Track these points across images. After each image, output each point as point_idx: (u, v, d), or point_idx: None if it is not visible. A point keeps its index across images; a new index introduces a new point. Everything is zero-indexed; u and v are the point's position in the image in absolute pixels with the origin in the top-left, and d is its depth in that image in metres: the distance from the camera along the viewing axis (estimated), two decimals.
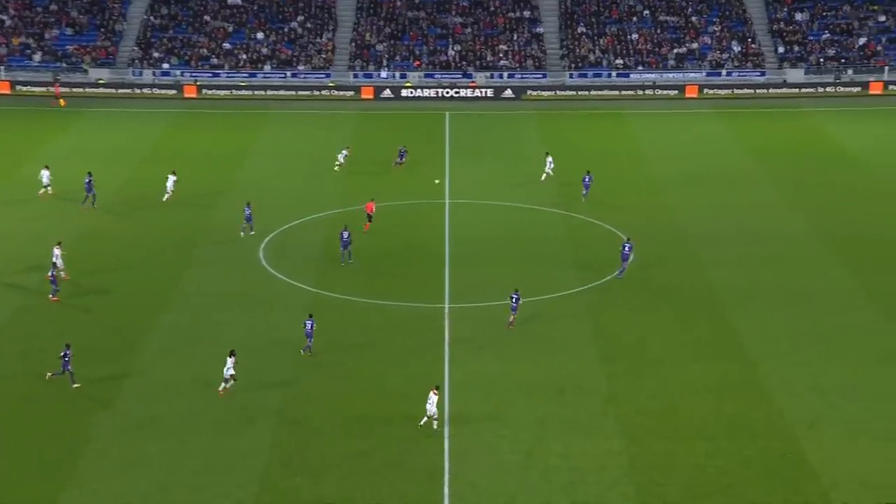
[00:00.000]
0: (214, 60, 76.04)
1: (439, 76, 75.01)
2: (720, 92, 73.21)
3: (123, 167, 56.71)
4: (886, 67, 73.91)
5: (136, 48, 76.30)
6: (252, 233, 46.84)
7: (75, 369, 34.06)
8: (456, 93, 73.39)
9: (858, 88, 72.70)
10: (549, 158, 54.35)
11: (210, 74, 75.14)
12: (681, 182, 54.88)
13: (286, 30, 78.60)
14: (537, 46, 77.32)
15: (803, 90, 72.80)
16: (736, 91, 73.31)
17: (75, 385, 33.96)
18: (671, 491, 29.25)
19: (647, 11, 79.43)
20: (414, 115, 69.58)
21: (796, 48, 76.37)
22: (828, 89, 72.79)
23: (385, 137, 63.65)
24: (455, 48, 77.04)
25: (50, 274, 40.54)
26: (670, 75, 74.95)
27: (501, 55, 76.59)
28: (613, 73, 75.16)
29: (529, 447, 31.30)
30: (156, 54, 75.84)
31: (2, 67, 74.76)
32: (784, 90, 73.32)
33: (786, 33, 77.39)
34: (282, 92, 73.37)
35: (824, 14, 78.36)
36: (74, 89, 72.58)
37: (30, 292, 41.07)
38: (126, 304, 40.24)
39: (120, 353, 36.50)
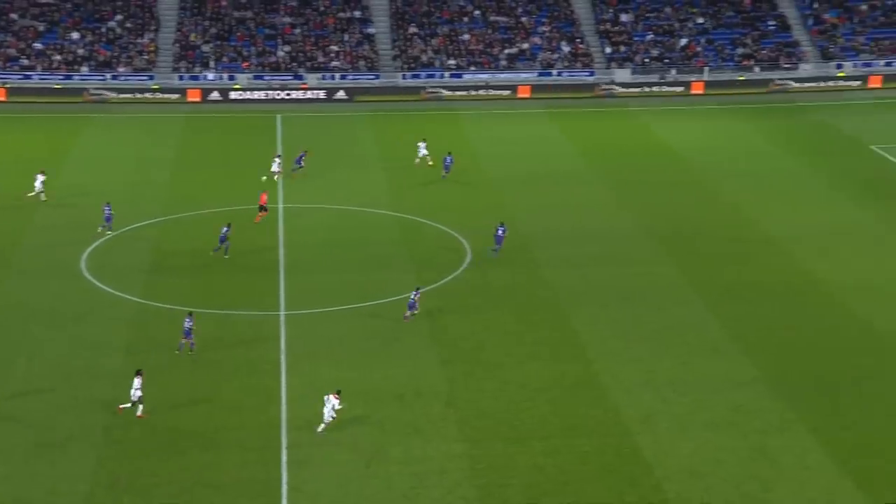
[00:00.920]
0: (25, 61, 72.76)
1: (269, 78, 73.90)
2: (551, 92, 74.68)
3: None
4: (706, 68, 76.95)
5: None
6: (109, 233, 46.20)
7: None
8: (287, 95, 72.43)
9: (681, 88, 75.41)
10: (422, 144, 56.07)
11: (20, 76, 71.84)
12: (515, 182, 55.66)
13: (104, 29, 75.90)
14: (369, 47, 77.13)
15: (630, 90, 75.01)
16: (566, 91, 74.88)
17: None
18: (511, 492, 29.54)
19: (477, 12, 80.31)
20: (244, 118, 68.32)
21: (622, 48, 78.68)
22: (654, 89, 75.20)
23: (214, 140, 62.24)
24: (285, 49, 76.04)
25: None
26: (502, 75, 76.02)
27: (333, 56, 76.05)
28: (446, 74, 75.68)
29: (369, 455, 31.04)
30: None
31: None
32: (613, 89, 75.31)
33: (612, 34, 79.62)
34: (102, 94, 70.77)
35: (647, 15, 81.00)
36: None
37: None
38: None
39: None
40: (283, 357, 36.67)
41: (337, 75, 74.57)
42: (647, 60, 77.59)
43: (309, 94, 72.62)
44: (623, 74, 76.69)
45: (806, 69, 76.59)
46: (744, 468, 30.48)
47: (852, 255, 45.19)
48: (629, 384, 35.11)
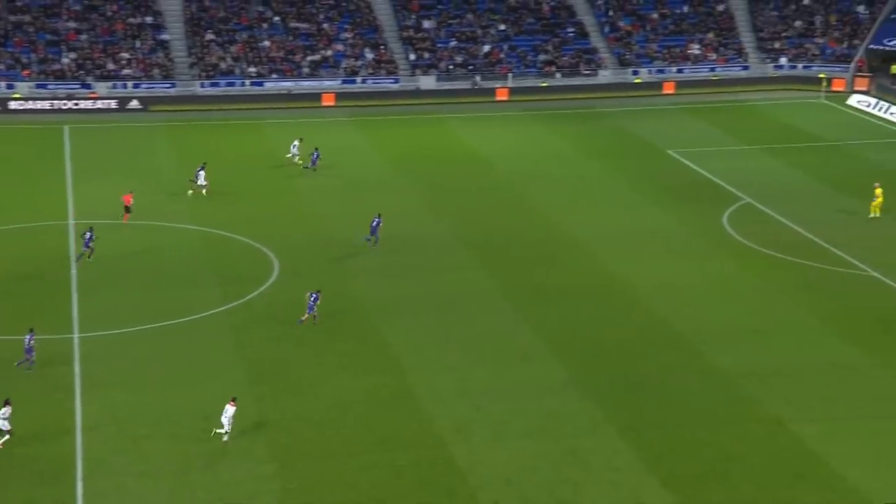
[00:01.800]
0: None
1: (54, 87, 70.52)
2: (356, 100, 74.41)
3: None
4: (510, 74, 78.47)
5: None
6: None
7: None
8: (75, 104, 69.32)
9: (487, 95, 76.57)
10: (296, 142, 57.39)
11: None
12: (324, 191, 55.03)
13: None
14: (163, 54, 74.80)
15: (436, 97, 75.60)
16: (371, 98, 74.80)
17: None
18: None
19: (277, 18, 79.21)
20: (26, 130, 64.93)
21: (427, 55, 79.25)
22: (460, 96, 76.01)
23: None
24: (70, 56, 72.77)
25: None
26: (306, 83, 75.22)
27: (124, 64, 73.33)
28: (247, 82, 74.26)
29: (173, 484, 29.78)
30: None
31: None
32: (418, 98, 75.75)
33: (415, 41, 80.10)
34: None
35: (450, 22, 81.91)
36: None
37: None
38: None
39: None
40: (77, 383, 34.84)
41: (129, 84, 71.94)
42: (451, 67, 78.42)
43: (99, 104, 69.73)
44: (428, 81, 77.26)
45: (605, 75, 79.22)
46: (557, 473, 30.91)
47: (654, 257, 46.79)
48: (444, 394, 35.09)
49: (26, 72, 70.59)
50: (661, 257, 46.79)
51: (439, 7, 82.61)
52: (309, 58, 76.91)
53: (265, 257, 45.84)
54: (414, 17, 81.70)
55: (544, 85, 77.82)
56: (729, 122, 70.09)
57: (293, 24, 79.07)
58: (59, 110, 68.70)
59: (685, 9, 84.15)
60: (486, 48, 79.79)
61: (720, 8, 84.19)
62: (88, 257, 44.09)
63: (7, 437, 30.95)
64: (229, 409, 31.59)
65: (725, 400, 34.71)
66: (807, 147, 64.07)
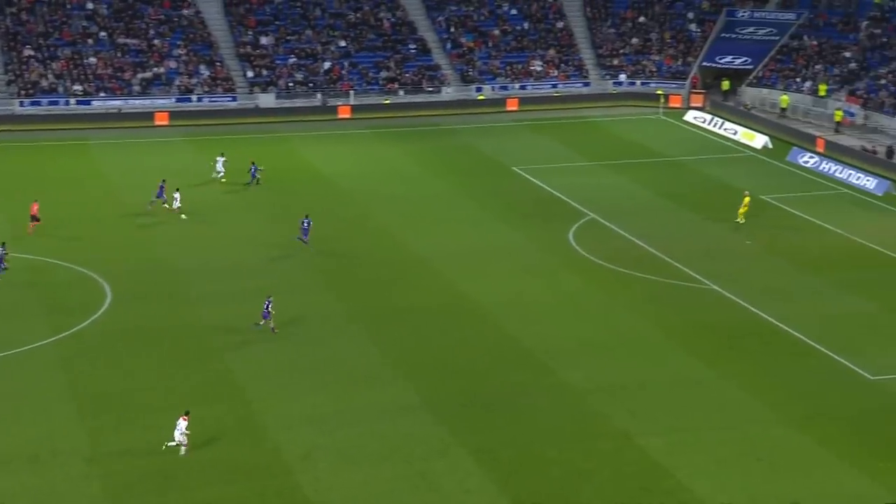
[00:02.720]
0: None
1: None
2: (192, 118, 73.23)
3: None
4: (352, 91, 78.69)
5: None
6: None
7: None
8: None
9: (328, 112, 76.52)
10: (220, 158, 57.82)
11: None
12: (158, 215, 53.88)
13: None
14: None
15: (276, 115, 75.13)
16: (207, 117, 73.75)
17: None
18: None
19: (103, 33, 77.32)
20: None
21: (265, 72, 78.71)
22: (301, 114, 75.75)
23: None
24: None
25: None
26: (137, 101, 73.63)
27: None
28: (72, 101, 72.15)
29: None
30: None
31: None
32: (258, 116, 75.12)
33: (253, 57, 79.47)
34: None
35: (288, 38, 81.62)
36: None
37: None
38: None
39: None
40: None
41: None
42: (291, 84, 78.10)
43: None
44: (267, 99, 76.73)
45: (448, 92, 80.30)
46: (408, 497, 31.06)
47: (502, 275, 47.62)
48: (290, 421, 34.82)
49: None
50: (509, 275, 47.65)
51: (277, 23, 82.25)
52: (139, 75, 75.35)
53: (96, 284, 44.63)
54: (251, 32, 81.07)
55: (387, 102, 78.35)
56: (572, 139, 72.03)
57: (121, 40, 77.31)
58: None
59: (526, 25, 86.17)
60: (327, 65, 79.82)
61: (560, 25, 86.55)
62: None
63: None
64: (181, 424, 32.15)
65: (574, 416, 35.58)
66: (648, 162, 66.41)
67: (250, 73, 78.13)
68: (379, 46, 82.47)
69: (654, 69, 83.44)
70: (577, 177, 62.85)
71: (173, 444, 32.30)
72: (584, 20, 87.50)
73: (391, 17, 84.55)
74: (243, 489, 30.99)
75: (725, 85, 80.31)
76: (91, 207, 54.33)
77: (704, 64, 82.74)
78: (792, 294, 45.84)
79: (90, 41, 76.43)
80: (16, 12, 76.56)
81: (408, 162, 65.87)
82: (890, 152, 65.10)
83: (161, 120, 72.73)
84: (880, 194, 59.42)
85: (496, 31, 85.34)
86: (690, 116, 77.10)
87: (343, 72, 79.72)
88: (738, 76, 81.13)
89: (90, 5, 78.89)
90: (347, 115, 76.67)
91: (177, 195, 53.49)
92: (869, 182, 60.75)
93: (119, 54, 76.38)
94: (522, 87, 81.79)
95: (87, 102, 72.44)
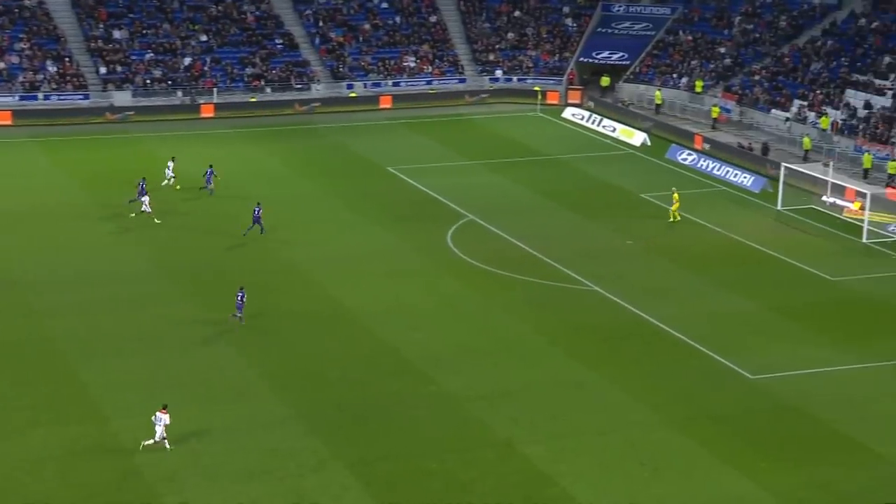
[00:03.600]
0: None
1: None
2: (38, 118, 71.09)
3: None
4: (215, 89, 77.53)
5: None
6: None
7: None
8: None
9: (190, 111, 75.20)
10: (170, 163, 56.99)
11: None
12: None
13: None
14: None
15: (134, 114, 73.53)
16: (56, 116, 71.72)
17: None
18: None
19: None
20: None
21: (120, 69, 76.94)
22: (160, 113, 74.26)
23: None
24: None
25: None
26: None
27: None
28: None
29: None
30: None
31: None
32: (113, 115, 73.41)
33: (105, 52, 77.60)
34: None
35: (144, 32, 79.94)
36: None
37: None
38: None
39: None
40: None
41: None
42: (148, 82, 76.55)
43: None
44: (123, 97, 75.03)
45: (318, 90, 79.79)
46: None
47: (377, 279, 47.49)
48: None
49: None
50: (385, 279, 47.56)
51: (131, 16, 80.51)
52: None
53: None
54: (102, 26, 79.15)
55: (253, 100, 77.46)
56: (449, 137, 72.36)
57: None
58: None
59: (398, 19, 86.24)
60: (188, 61, 78.46)
61: (433, 19, 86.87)
62: None
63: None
64: (163, 418, 32.65)
65: (455, 425, 35.67)
66: (526, 161, 67.12)
67: (103, 70, 76.29)
68: (243, 41, 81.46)
69: (531, 65, 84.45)
70: (454, 177, 63.15)
71: (150, 442, 32.63)
72: (458, 14, 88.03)
73: (255, 10, 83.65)
74: None
75: (605, 81, 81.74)
76: None
77: (581, 59, 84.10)
78: (673, 294, 46.88)
79: None
80: None
81: (276, 162, 65.23)
82: (765, 149, 67.20)
83: (4, 119, 70.45)
84: (757, 191, 61.27)
85: (367, 26, 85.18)
86: (568, 113, 78.27)
87: (205, 68, 78.48)
88: (615, 72, 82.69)
89: None
90: (211, 114, 75.50)
91: (145, 198, 52.70)
92: (746, 179, 62.57)
93: None
94: (396, 84, 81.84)
95: None
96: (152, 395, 36.87)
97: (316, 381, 38.40)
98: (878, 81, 69.36)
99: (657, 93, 77.62)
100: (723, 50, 79.78)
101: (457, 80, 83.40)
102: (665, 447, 34.56)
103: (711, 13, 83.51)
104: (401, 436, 34.97)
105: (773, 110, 72.00)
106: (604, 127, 74.83)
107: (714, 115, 73.85)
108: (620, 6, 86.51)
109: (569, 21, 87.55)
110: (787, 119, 70.47)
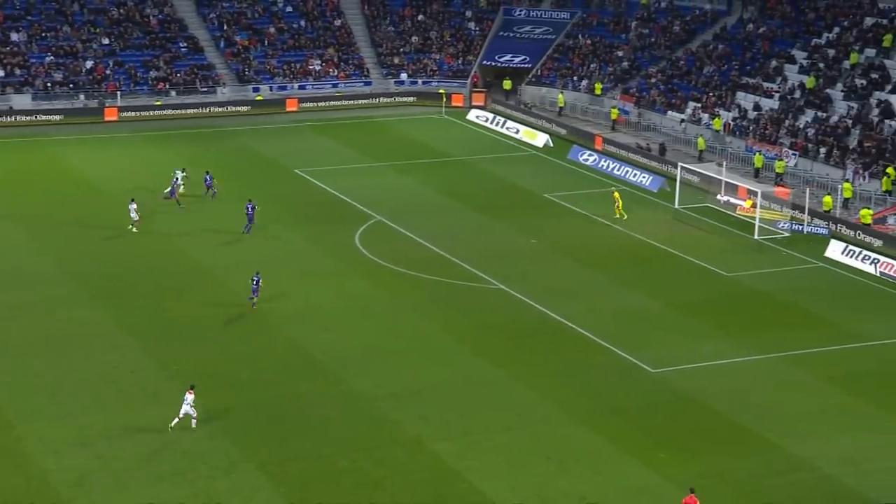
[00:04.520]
0: None
1: None
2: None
3: None
4: (119, 92, 76.20)
5: None
6: None
7: None
8: None
9: (94, 115, 73.79)
10: (181, 173, 56.32)
11: None
12: None
13: None
14: None
15: (33, 118, 71.89)
16: None
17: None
18: None
19: None
20: None
21: (18, 71, 75.12)
22: (63, 117, 72.75)
23: None
24: None
25: None
26: None
27: None
28: None
29: None
30: None
31: None
32: (11, 119, 71.68)
33: (3, 55, 75.71)
34: None
35: (44, 35, 78.21)
36: None
37: None
38: None
39: None
40: None
41: None
42: (49, 85, 74.92)
43: None
44: (22, 100, 73.30)
45: (224, 93, 78.93)
46: None
47: (288, 281, 47.18)
48: (58, 445, 33.33)
49: None
50: (294, 281, 47.26)
51: (29, 18, 78.70)
52: None
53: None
54: None
55: (158, 103, 76.31)
56: (355, 139, 72.19)
57: None
58: None
59: (303, 23, 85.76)
60: (90, 64, 76.97)
61: (338, 22, 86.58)
62: None
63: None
64: (188, 397, 33.86)
65: (365, 424, 35.62)
66: (433, 163, 67.30)
67: (1, 73, 74.39)
68: (146, 44, 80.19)
69: (435, 68, 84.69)
70: (361, 178, 63.02)
71: (176, 421, 33.81)
72: (363, 18, 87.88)
73: (158, 13, 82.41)
74: None
75: (507, 84, 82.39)
76: None
77: (484, 62, 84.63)
78: (577, 292, 47.43)
79: None
80: None
81: (183, 166, 64.31)
82: (662, 149, 68.41)
83: None
84: (655, 190, 62.30)
85: (272, 29, 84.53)
86: (473, 115, 78.66)
87: (108, 71, 77.06)
88: (517, 75, 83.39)
89: None
90: (114, 118, 74.20)
91: (133, 205, 51.58)
92: (645, 179, 63.60)
93: None
94: (302, 87, 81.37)
95: None
96: (58, 399, 36.15)
97: (227, 382, 38.00)
98: (766, 84, 71.10)
99: (560, 95, 78.45)
100: (620, 53, 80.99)
101: (362, 83, 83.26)
102: (570, 441, 34.97)
103: (609, 18, 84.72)
104: (312, 435, 34.80)
105: (669, 112, 73.33)
106: (507, 129, 75.37)
107: (613, 116, 74.92)
108: (522, 10, 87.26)
109: (471, 25, 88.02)
110: (683, 120, 71.83)
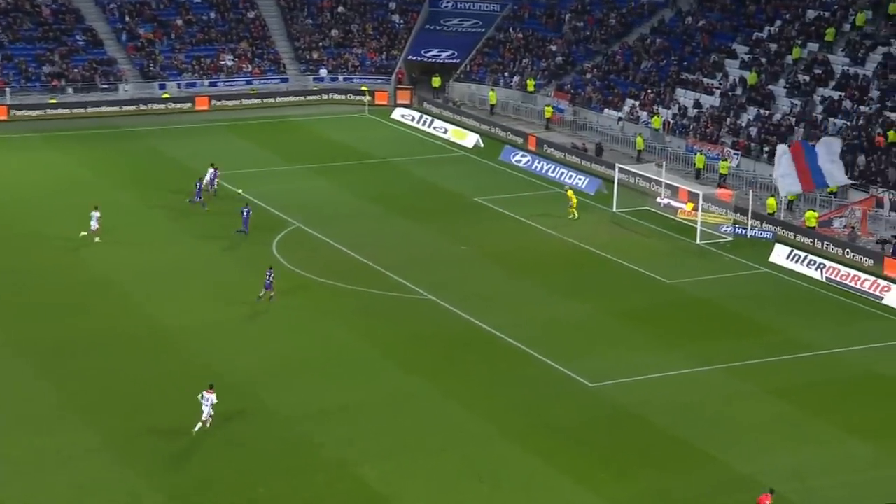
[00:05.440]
0: None
1: None
2: None
3: None
4: (8, 89, 74.93)
5: None
6: None
7: None
8: None
9: None
10: (213, 170, 57.93)
11: None
12: None
13: None
14: None
15: None
16: None
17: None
18: None
19: None
20: None
21: None
22: None
23: None
24: None
25: None
26: None
27: None
28: None
29: None
30: None
31: None
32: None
33: None
34: None
35: None
36: None
37: None
38: None
39: None
40: None
41: None
42: None
43: None
44: None
45: (127, 91, 77.97)
46: None
47: (199, 295, 46.73)
48: None
49: None
50: (205, 295, 46.82)
51: None
52: None
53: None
54: None
55: (53, 101, 75.14)
56: (272, 140, 71.78)
57: None
58: None
59: (213, 15, 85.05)
60: None
61: (251, 15, 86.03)
62: None
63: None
64: (210, 397, 34.84)
65: (285, 448, 35.32)
66: (355, 165, 67.15)
67: None
68: (38, 37, 78.91)
69: (357, 63, 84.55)
70: (279, 182, 62.65)
71: (199, 426, 34.81)
72: (279, 10, 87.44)
73: (51, 2, 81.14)
74: None
75: (436, 81, 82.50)
76: None
77: (410, 58, 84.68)
78: (509, 300, 47.61)
79: None
80: None
81: (82, 170, 63.47)
82: (599, 149, 69.03)
83: None
84: (592, 193, 62.79)
85: (179, 22, 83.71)
86: (398, 114, 78.66)
87: None
88: (445, 70, 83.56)
89: None
90: (4, 117, 72.96)
91: (95, 213, 50.98)
92: (581, 181, 64.07)
93: None
94: (213, 84, 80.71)
95: None
96: None
97: (130, 406, 37.44)
98: (706, 80, 72.11)
99: (490, 92, 78.78)
100: (554, 48, 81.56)
101: (279, 80, 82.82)
102: (504, 461, 35.04)
103: (542, 10, 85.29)
104: (225, 461, 34.43)
105: (606, 109, 74.03)
106: (435, 128, 75.49)
107: (547, 115, 75.41)
108: (449, 2, 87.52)
109: (395, 17, 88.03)
110: (620, 119, 72.56)
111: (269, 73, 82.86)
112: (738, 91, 70.09)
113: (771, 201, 58.67)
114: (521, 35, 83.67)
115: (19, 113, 73.42)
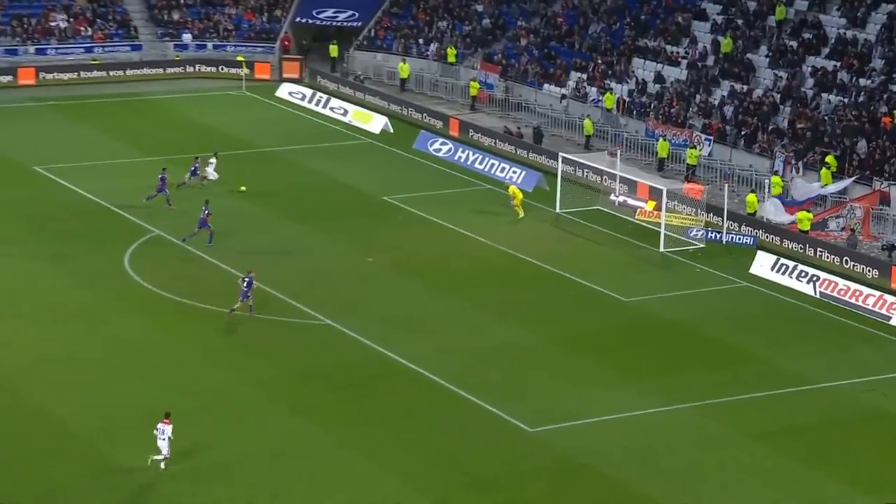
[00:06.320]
0: None
1: None
2: None
3: None
4: None
5: None
6: None
7: None
8: None
9: None
10: (213, 160, 59.65)
11: None
12: None
13: None
14: None
15: None
16: None
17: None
18: None
19: None
20: None
21: None
22: None
23: None
24: None
25: None
26: None
27: None
28: None
29: None
30: None
31: None
32: None
33: None
34: None
35: None
36: None
37: None
38: None
39: None
40: None
41: None
42: None
43: None
44: None
45: None
46: None
47: (28, 322, 46.62)
48: None
49: None
50: (39, 322, 46.62)
51: None
52: None
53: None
54: None
55: None
56: (121, 125, 71.52)
57: None
58: None
59: None
60: None
61: None
62: None
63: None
64: (166, 429, 36.04)
65: None
66: (230, 155, 66.97)
67: None
68: None
69: (231, 27, 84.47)
70: (132, 179, 62.43)
71: (159, 457, 36.14)
72: None
73: None
74: None
75: (333, 51, 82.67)
76: None
77: (298, 20, 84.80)
78: (428, 324, 47.91)
79: None
80: None
81: None
82: (538, 135, 69.74)
83: None
84: (530, 190, 63.35)
85: None
86: (284, 91, 78.76)
87: None
88: (344, 36, 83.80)
89: None
90: None
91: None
92: (515, 174, 64.63)
93: None
94: (41, 53, 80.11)
95: None
96: None
97: None
98: (669, 48, 73.16)
99: (402, 64, 79.17)
100: (480, 8, 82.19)
101: (129, 48, 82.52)
102: None
103: None
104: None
105: (546, 85, 74.80)
106: (332, 110, 75.70)
107: (473, 92, 76.01)
108: None
109: None
110: (564, 97, 73.36)
111: (116, 38, 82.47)
112: (710, 61, 71.23)
113: (751, 198, 59.48)
114: None
115: None
